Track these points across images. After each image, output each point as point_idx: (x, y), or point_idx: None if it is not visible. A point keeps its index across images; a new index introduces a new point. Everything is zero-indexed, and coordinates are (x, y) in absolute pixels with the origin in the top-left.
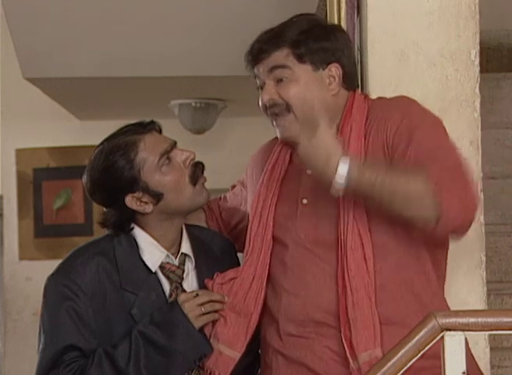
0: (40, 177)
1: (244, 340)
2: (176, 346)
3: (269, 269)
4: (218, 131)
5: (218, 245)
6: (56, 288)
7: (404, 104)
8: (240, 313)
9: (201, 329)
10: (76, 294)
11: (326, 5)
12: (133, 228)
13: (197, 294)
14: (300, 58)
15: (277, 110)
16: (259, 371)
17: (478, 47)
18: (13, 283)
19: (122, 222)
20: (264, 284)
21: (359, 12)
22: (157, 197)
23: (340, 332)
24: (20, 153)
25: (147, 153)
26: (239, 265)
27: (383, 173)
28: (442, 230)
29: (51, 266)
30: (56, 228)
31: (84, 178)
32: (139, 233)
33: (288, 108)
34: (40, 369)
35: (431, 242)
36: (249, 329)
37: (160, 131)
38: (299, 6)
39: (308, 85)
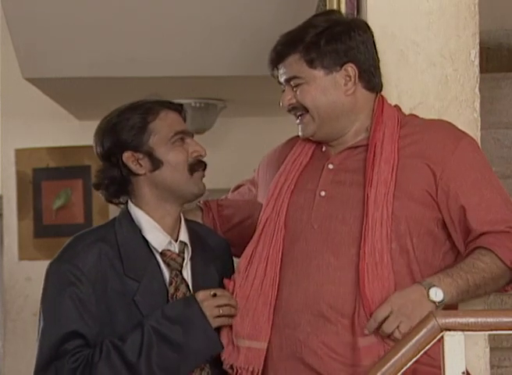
0: (40, 177)
1: (267, 328)
2: (191, 343)
3: None
4: (218, 131)
5: (214, 241)
6: (59, 273)
7: (453, 131)
8: (258, 304)
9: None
10: (80, 280)
11: (326, 5)
12: (127, 202)
13: (215, 294)
14: (311, 64)
15: (297, 112)
16: None
17: (478, 47)
18: (13, 283)
19: (115, 184)
20: (278, 270)
21: (358, 12)
22: (156, 164)
23: (338, 328)
24: (20, 153)
25: (163, 124)
26: (233, 265)
27: (465, 279)
28: None
29: None
30: (56, 228)
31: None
32: (141, 216)
33: (306, 109)
34: (42, 357)
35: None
36: (270, 316)
37: (184, 119)
38: (299, 7)
39: (322, 89)
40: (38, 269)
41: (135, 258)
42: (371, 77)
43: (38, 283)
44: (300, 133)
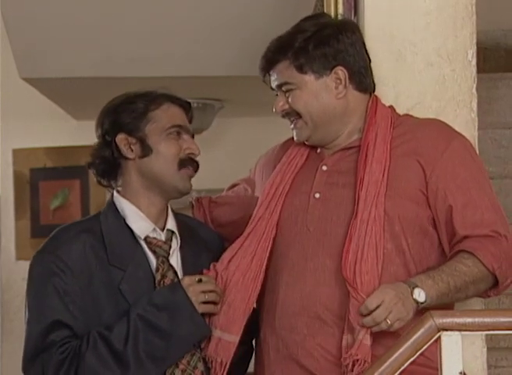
0: (37, 177)
1: (241, 322)
2: (177, 329)
3: (270, 262)
4: (216, 131)
5: (206, 233)
6: (43, 265)
7: (446, 131)
8: (236, 297)
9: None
10: (63, 271)
11: (323, 6)
12: (113, 195)
13: (201, 280)
14: (301, 69)
15: (291, 117)
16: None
17: (475, 47)
18: (10, 283)
19: (105, 164)
20: (264, 267)
21: (356, 13)
22: (146, 151)
23: (334, 330)
24: (17, 153)
25: (163, 115)
26: None
27: (446, 281)
28: (499, 293)
29: None
30: (53, 228)
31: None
32: (126, 205)
33: (299, 114)
34: (28, 349)
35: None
36: (246, 311)
37: (190, 119)
38: (297, 7)
39: (313, 94)
40: None
41: (120, 247)
42: (362, 79)
43: None
44: (295, 138)
